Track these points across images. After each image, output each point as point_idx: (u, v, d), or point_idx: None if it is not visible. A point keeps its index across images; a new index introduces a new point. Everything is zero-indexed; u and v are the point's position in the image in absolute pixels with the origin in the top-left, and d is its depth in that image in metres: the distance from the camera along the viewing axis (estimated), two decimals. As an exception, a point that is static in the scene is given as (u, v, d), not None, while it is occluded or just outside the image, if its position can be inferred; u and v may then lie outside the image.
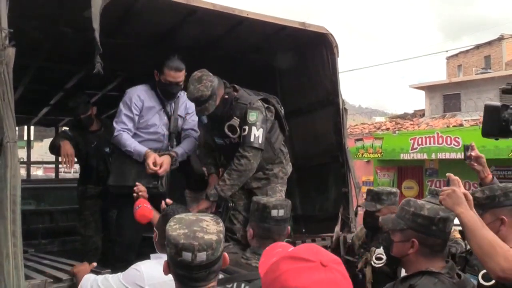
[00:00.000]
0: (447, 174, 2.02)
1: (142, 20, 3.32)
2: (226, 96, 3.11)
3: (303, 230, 4.24)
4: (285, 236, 2.46)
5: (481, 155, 2.67)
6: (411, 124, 14.98)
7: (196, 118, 3.50)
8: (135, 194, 2.92)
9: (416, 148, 12.25)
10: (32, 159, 8.64)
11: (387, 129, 15.08)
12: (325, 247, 3.72)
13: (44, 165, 15.04)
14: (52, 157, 7.44)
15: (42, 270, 3.50)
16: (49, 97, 5.22)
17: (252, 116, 3.04)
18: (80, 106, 4.01)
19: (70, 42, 3.67)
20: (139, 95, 3.40)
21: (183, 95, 3.51)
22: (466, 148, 2.75)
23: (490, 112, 2.14)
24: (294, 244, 3.48)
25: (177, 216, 1.66)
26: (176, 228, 1.57)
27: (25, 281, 2.35)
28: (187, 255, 1.50)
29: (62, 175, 8.37)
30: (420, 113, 16.57)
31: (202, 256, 1.52)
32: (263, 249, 2.11)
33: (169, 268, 1.59)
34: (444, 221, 1.85)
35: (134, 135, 3.41)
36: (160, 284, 2.05)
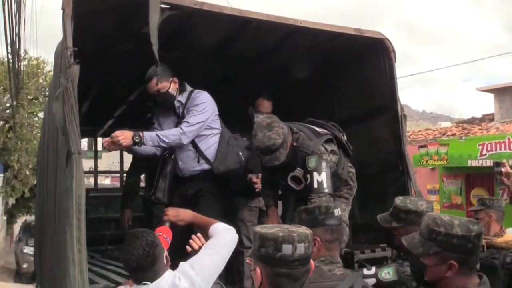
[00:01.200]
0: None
1: (197, 33, 3.42)
2: (295, 144, 2.94)
3: (362, 240, 4.13)
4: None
5: (511, 171, 2.81)
6: (479, 129, 14.19)
7: (199, 109, 3.30)
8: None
9: (485, 155, 11.58)
10: (101, 169, 9.11)
11: (453, 134, 14.38)
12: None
13: (111, 175, 15.79)
14: (117, 167, 7.80)
15: (107, 276, 3.68)
16: (113, 110, 5.48)
17: (311, 163, 2.88)
18: None
19: (131, 57, 3.84)
20: (154, 113, 3.65)
21: (194, 96, 3.41)
22: (497, 164, 2.89)
23: None
24: (352, 254, 3.40)
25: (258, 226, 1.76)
26: (267, 229, 1.63)
27: (90, 285, 2.46)
28: (287, 248, 1.55)
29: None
30: (489, 117, 15.67)
31: (301, 248, 1.57)
32: (335, 254, 2.17)
33: (261, 276, 1.59)
34: (479, 237, 1.74)
35: None
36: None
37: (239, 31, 3.39)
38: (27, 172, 12.38)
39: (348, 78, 4.10)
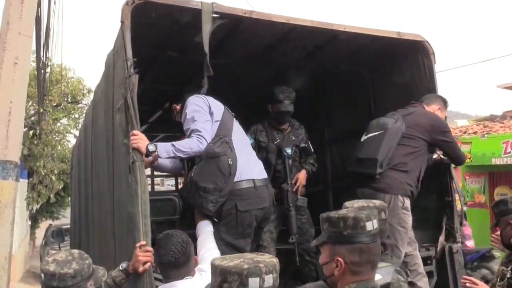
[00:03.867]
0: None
1: (243, 40, 3.49)
2: None
3: None
4: None
5: None
6: (501, 127, 14.06)
7: (191, 115, 2.96)
8: None
9: (510, 152, 11.50)
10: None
11: (475, 132, 14.26)
12: (430, 257, 3.64)
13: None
14: (148, 172, 7.87)
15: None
16: (149, 116, 5.58)
17: None
18: (287, 101, 3.85)
19: (174, 65, 3.94)
20: None
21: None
22: None
23: None
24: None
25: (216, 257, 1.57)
26: (229, 261, 1.45)
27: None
28: (254, 282, 1.39)
29: (156, 188, 8.83)
30: (511, 114, 15.49)
31: (269, 279, 1.41)
32: (368, 278, 1.70)
33: None
34: None
35: None
36: None
37: (283, 37, 3.46)
38: (53, 178, 12.57)
39: (386, 80, 4.14)
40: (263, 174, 3.12)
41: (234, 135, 3.02)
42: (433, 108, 3.58)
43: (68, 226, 9.15)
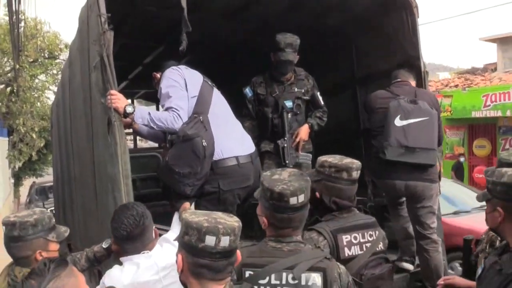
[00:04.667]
0: None
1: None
2: None
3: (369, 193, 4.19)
4: None
5: None
6: (482, 80, 14.17)
7: (168, 90, 2.81)
8: None
9: (489, 105, 11.66)
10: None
11: (456, 86, 14.36)
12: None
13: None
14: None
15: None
16: (128, 72, 5.46)
17: None
18: (289, 50, 3.57)
19: (152, 20, 3.82)
20: None
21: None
22: None
23: None
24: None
25: (188, 211, 1.66)
26: (195, 217, 1.55)
27: None
28: (210, 240, 1.49)
29: (139, 144, 8.79)
30: (492, 67, 15.57)
31: (225, 240, 1.50)
32: (286, 235, 1.87)
33: (183, 263, 1.54)
34: None
35: None
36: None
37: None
38: (33, 135, 12.40)
39: (369, 35, 4.08)
40: (250, 149, 2.93)
41: (214, 109, 2.84)
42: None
43: (52, 183, 9.14)
